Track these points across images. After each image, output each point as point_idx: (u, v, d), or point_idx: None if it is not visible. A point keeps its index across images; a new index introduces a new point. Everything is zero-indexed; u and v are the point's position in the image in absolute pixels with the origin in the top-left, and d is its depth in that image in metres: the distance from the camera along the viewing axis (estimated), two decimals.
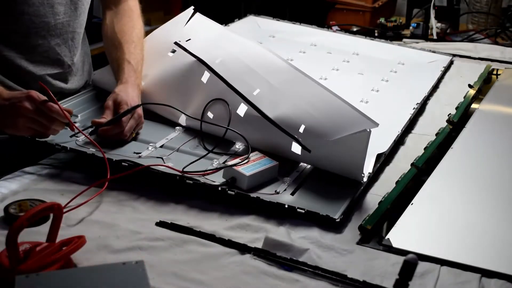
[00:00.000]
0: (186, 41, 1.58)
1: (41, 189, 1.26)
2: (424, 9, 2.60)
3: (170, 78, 1.54)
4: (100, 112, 1.45)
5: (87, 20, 1.62)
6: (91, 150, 1.34)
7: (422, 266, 1.07)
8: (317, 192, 1.27)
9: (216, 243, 1.12)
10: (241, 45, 1.55)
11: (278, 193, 1.25)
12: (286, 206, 1.20)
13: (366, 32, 2.47)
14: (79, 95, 1.59)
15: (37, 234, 1.08)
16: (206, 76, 1.47)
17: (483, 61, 2.07)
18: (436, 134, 1.53)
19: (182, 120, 1.49)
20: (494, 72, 1.99)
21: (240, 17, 2.19)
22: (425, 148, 1.46)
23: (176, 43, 1.58)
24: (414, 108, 1.63)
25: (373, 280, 1.04)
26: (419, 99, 1.68)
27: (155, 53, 1.61)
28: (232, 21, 2.13)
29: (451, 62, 2.01)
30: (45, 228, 1.08)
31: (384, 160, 1.40)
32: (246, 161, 1.28)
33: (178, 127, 1.48)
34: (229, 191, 1.24)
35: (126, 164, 1.29)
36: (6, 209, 1.16)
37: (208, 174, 1.28)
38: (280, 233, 1.13)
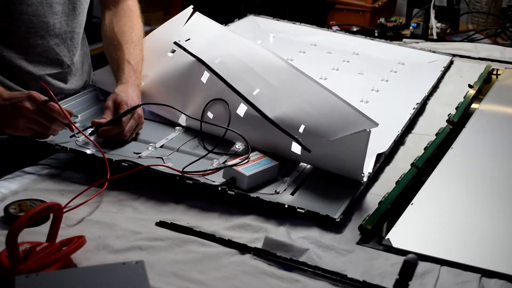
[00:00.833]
0: (186, 41, 1.58)
1: (41, 189, 1.26)
2: (424, 9, 2.60)
3: (169, 78, 1.54)
4: (100, 112, 1.45)
5: (87, 20, 1.62)
6: (91, 150, 1.34)
7: (422, 266, 1.07)
8: (317, 192, 1.27)
9: (216, 243, 1.12)
10: (240, 45, 1.55)
11: (278, 193, 1.25)
12: (286, 206, 1.20)
13: (366, 32, 2.46)
14: (79, 95, 1.59)
15: (37, 234, 1.08)
16: (205, 76, 1.47)
17: (483, 61, 2.07)
18: (436, 134, 1.53)
19: (182, 120, 1.49)
20: (494, 72, 1.99)
21: (240, 17, 2.19)
22: (425, 148, 1.46)
23: (175, 43, 1.58)
24: (414, 108, 1.63)
25: (373, 280, 1.04)
26: (419, 99, 1.68)
27: (154, 53, 1.61)
28: (232, 21, 2.13)
29: (451, 62, 2.01)
30: (45, 228, 1.08)
31: (384, 160, 1.40)
32: (246, 161, 1.28)
33: (178, 127, 1.48)
34: (229, 191, 1.24)
35: (126, 164, 1.29)
36: (6, 209, 1.16)
37: (208, 174, 1.28)
38: (280, 233, 1.13)
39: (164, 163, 1.31)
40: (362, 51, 2.02)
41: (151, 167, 1.28)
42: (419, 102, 1.67)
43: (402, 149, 1.49)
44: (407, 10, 2.68)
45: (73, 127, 1.34)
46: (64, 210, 1.10)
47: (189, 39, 1.58)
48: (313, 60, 1.97)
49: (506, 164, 1.44)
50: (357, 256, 1.10)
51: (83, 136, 1.36)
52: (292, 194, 1.26)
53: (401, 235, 1.15)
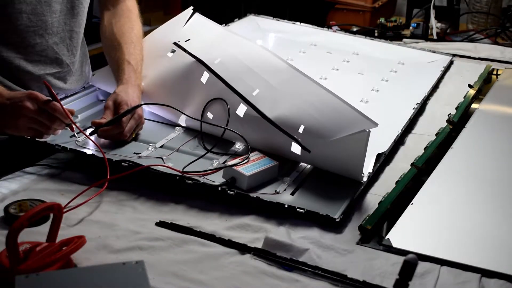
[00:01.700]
0: (186, 41, 1.58)
1: (41, 189, 1.26)
2: (424, 9, 2.60)
3: (169, 79, 1.54)
4: (100, 113, 1.45)
5: (86, 20, 1.62)
6: (91, 150, 1.34)
7: (422, 266, 1.07)
8: (317, 192, 1.27)
9: (216, 243, 1.12)
10: (240, 45, 1.55)
11: (278, 193, 1.25)
12: (286, 206, 1.20)
13: (366, 32, 2.46)
14: (79, 95, 1.59)
15: (37, 234, 1.08)
16: (205, 76, 1.47)
17: (483, 61, 2.07)
18: (436, 134, 1.53)
19: (182, 120, 1.49)
20: (494, 72, 1.99)
21: (240, 17, 2.19)
22: (425, 148, 1.46)
23: (175, 43, 1.58)
24: (414, 108, 1.63)
25: (373, 280, 1.04)
26: (419, 99, 1.68)
27: (154, 53, 1.61)
28: (232, 21, 2.13)
29: (451, 62, 2.01)
30: (45, 228, 1.08)
31: (384, 160, 1.40)
32: (246, 161, 1.28)
33: (178, 127, 1.48)
34: (229, 191, 1.24)
35: (126, 164, 1.29)
36: (6, 209, 1.16)
37: (208, 174, 1.28)
38: (280, 233, 1.13)
39: (164, 163, 1.31)
40: (362, 51, 2.02)
41: (151, 167, 1.28)
42: (419, 102, 1.67)
43: (402, 149, 1.49)
44: (407, 10, 2.68)
45: (74, 126, 1.34)
46: (64, 210, 1.10)
47: (188, 39, 1.58)
48: (313, 60, 1.97)
49: (506, 164, 1.44)
50: (357, 256, 1.10)
51: (83, 136, 1.36)
52: (292, 194, 1.26)
53: (401, 235, 1.15)
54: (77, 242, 1.01)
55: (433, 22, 2.48)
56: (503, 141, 1.55)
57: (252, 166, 1.27)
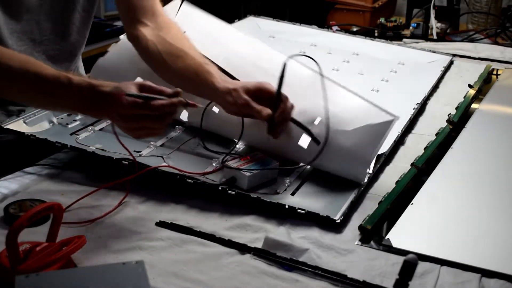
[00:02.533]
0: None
1: (41, 189, 1.26)
2: (424, 9, 2.60)
3: None
4: None
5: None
6: (91, 148, 1.34)
7: (422, 266, 1.07)
8: (317, 193, 1.27)
9: (216, 243, 1.12)
10: (241, 41, 1.54)
11: (278, 193, 1.25)
12: (287, 206, 1.20)
13: (366, 32, 2.47)
14: None
15: (37, 234, 1.08)
16: None
17: (483, 61, 2.07)
18: (436, 134, 1.53)
19: (184, 116, 1.48)
20: (494, 72, 1.99)
21: (240, 17, 2.19)
22: (425, 148, 1.46)
23: None
24: (414, 108, 1.63)
25: (373, 280, 1.04)
26: (419, 99, 1.68)
27: None
28: (232, 22, 2.13)
29: (451, 62, 2.01)
30: (45, 228, 1.08)
31: (384, 160, 1.40)
32: (246, 161, 1.28)
33: (178, 126, 1.48)
34: (229, 191, 1.24)
35: (127, 163, 1.28)
36: (6, 209, 1.16)
37: (208, 174, 1.28)
38: (280, 233, 1.13)
39: (164, 162, 1.31)
40: (362, 51, 2.02)
41: (158, 168, 1.26)
42: (419, 102, 1.67)
43: (402, 149, 1.49)
44: (407, 10, 2.68)
45: (189, 102, 1.19)
46: (65, 210, 1.10)
47: (184, 32, 1.53)
48: None
49: (506, 164, 1.44)
50: (357, 256, 1.10)
51: (84, 134, 1.35)
52: (293, 194, 1.26)
53: (401, 235, 1.15)
54: (77, 242, 1.01)
55: (433, 22, 2.48)
56: (503, 141, 1.55)
57: (252, 166, 1.27)
